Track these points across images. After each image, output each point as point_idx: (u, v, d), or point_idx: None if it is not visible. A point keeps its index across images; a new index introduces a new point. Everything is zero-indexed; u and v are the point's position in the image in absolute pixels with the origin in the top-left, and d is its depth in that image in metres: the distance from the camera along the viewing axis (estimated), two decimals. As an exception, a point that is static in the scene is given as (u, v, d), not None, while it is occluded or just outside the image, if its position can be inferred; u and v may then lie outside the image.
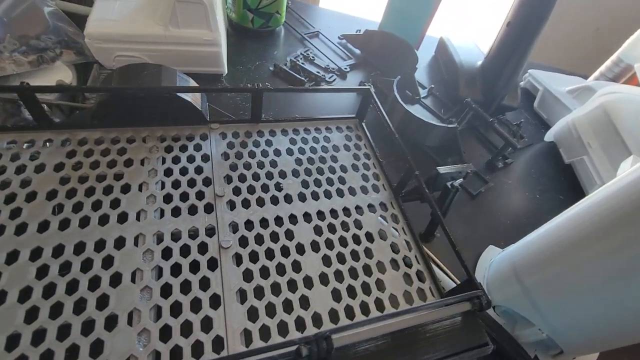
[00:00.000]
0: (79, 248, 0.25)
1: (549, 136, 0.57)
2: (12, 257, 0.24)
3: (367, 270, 0.29)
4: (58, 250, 0.25)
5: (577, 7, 1.31)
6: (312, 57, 0.59)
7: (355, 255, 0.30)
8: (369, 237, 0.31)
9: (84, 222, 0.27)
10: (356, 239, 0.31)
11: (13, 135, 0.30)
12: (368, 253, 0.30)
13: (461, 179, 0.33)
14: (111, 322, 0.23)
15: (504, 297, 0.34)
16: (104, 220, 0.27)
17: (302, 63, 0.56)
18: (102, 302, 0.23)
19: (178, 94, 0.32)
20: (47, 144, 0.30)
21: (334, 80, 0.56)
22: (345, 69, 0.58)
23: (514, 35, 0.51)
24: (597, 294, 0.27)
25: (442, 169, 0.34)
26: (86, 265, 0.25)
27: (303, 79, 0.53)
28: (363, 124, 0.41)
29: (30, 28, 0.44)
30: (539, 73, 0.65)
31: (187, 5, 0.42)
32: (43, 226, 0.26)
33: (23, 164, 0.28)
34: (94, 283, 0.24)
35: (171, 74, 0.33)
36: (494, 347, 0.24)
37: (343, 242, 0.30)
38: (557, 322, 0.30)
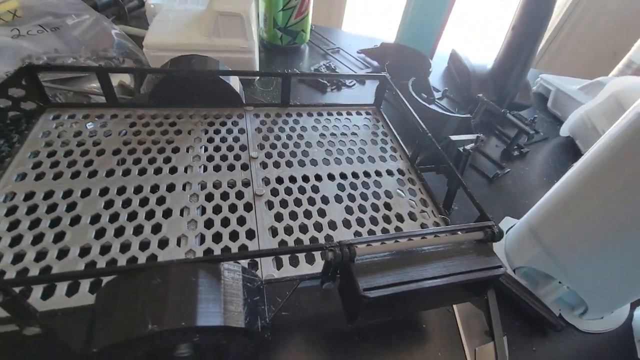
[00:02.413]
0: (138, 189, 0.30)
1: (564, 130, 0.59)
2: (85, 193, 0.29)
3: (387, 219, 0.32)
4: (121, 190, 0.29)
5: (596, 32, 1.35)
6: (334, 67, 0.65)
7: (375, 207, 0.33)
8: (388, 194, 0.34)
9: (142, 172, 0.31)
10: (376, 195, 0.34)
11: (86, 110, 0.36)
12: (387, 206, 0.33)
13: (472, 144, 0.36)
14: (163, 244, 0.26)
15: (524, 261, 0.35)
16: (157, 171, 0.32)
17: (325, 71, 0.63)
18: (156, 228, 0.27)
19: (221, 77, 0.38)
20: (113, 117, 0.36)
21: (353, 84, 0.62)
22: (356, 73, 0.64)
23: (520, 37, 0.56)
24: (612, 241, 0.28)
25: (453, 137, 0.37)
26: (143, 202, 0.29)
27: (326, 82, 0.59)
28: (381, 109, 0.45)
29: (100, 44, 0.53)
30: (550, 77, 0.68)
31: (228, 17, 0.50)
32: (109, 173, 0.31)
33: (94, 129, 0.34)
34: (150, 215, 0.28)
35: (214, 63, 0.40)
36: (505, 270, 0.25)
37: (364, 197, 0.33)
38: (580, 275, 0.31)
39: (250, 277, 0.22)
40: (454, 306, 0.33)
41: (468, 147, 0.35)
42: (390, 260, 0.24)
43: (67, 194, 0.28)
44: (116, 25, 0.58)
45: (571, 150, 0.57)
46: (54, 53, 0.48)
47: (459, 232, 0.27)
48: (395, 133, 0.41)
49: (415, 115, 0.37)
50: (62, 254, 0.25)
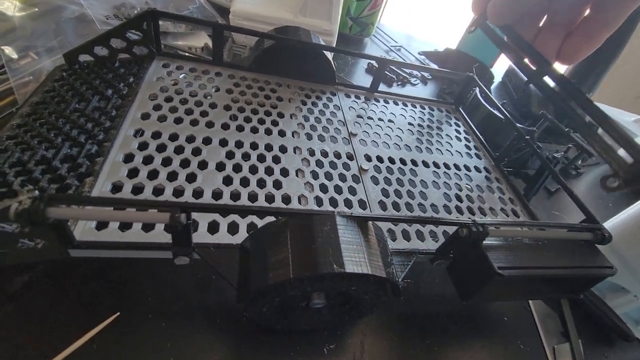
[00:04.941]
0: (254, 146, 0.30)
1: (615, 158, 0.60)
2: (206, 141, 0.29)
3: (482, 211, 0.33)
4: (239, 144, 0.30)
5: (620, 75, 1.38)
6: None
7: (470, 199, 0.33)
8: (480, 188, 0.35)
9: (254, 130, 0.32)
10: (469, 188, 0.35)
11: (194, 64, 0.37)
12: (481, 200, 0.34)
13: (562, 152, 0.37)
14: (287, 200, 0.27)
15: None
16: (268, 132, 0.32)
17: (390, 67, 0.64)
18: (277, 184, 0.28)
19: (324, 51, 0.39)
20: (218, 75, 0.37)
21: (417, 83, 0.63)
22: (427, 76, 0.65)
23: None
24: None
25: (542, 144, 0.38)
26: (261, 158, 0.29)
27: (393, 76, 0.60)
28: (460, 109, 0.46)
29: (182, 3, 0.54)
30: (601, 105, 0.70)
31: (318, -2, 0.50)
32: (225, 126, 0.31)
33: (203, 83, 0.35)
34: (269, 171, 0.29)
35: (317, 38, 0.40)
36: (617, 271, 0.26)
37: (458, 187, 0.34)
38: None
39: (386, 239, 0.23)
40: (531, 305, 0.34)
41: (558, 154, 0.36)
42: (511, 246, 0.25)
43: (190, 139, 0.29)
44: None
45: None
46: (145, 5, 0.48)
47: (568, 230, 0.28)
48: (478, 133, 0.42)
49: (511, 118, 0.38)
50: (197, 194, 0.25)
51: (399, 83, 0.61)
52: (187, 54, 0.46)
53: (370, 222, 0.22)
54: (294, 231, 0.20)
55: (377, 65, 0.41)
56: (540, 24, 0.24)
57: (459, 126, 0.43)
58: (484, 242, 0.24)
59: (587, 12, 0.23)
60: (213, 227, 0.23)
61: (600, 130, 0.23)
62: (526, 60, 0.23)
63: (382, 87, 0.58)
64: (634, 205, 0.35)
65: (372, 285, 0.20)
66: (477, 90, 0.57)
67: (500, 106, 0.41)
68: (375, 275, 0.19)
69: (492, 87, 0.73)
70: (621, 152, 0.58)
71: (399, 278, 0.23)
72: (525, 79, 0.22)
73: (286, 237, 0.19)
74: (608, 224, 0.37)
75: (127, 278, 0.25)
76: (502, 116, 0.40)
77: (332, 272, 0.18)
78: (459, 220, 0.24)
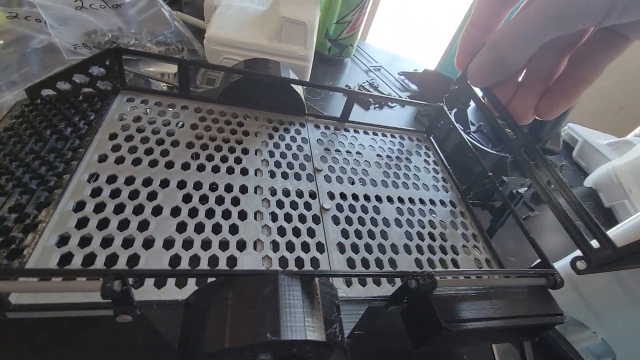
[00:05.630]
0: (213, 187, 0.30)
1: (588, 182, 0.61)
2: (164, 183, 0.29)
3: (443, 249, 0.33)
4: (197, 185, 0.30)
5: (602, 87, 1.41)
6: (376, 85, 0.66)
7: (432, 236, 0.34)
8: (443, 224, 0.35)
9: (215, 169, 0.32)
10: (432, 224, 0.35)
11: (159, 97, 0.36)
12: (443, 236, 0.34)
13: (526, 188, 0.37)
14: (242, 246, 0.27)
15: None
16: (230, 170, 0.32)
17: (368, 89, 0.64)
18: (234, 229, 0.28)
19: (292, 85, 0.39)
20: (184, 109, 0.37)
21: (394, 106, 0.63)
22: (405, 98, 0.65)
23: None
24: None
25: (506, 179, 0.38)
26: (219, 201, 0.29)
27: (370, 100, 0.60)
28: (431, 138, 0.46)
29: (157, 27, 0.53)
30: (577, 127, 0.71)
31: (292, 24, 0.51)
32: (185, 166, 0.31)
33: (167, 119, 0.35)
34: (226, 214, 0.29)
35: (286, 70, 0.40)
36: (566, 317, 0.26)
37: (421, 224, 0.35)
38: (616, 326, 0.32)
39: (334, 293, 0.23)
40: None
41: (522, 190, 0.37)
42: (462, 295, 0.25)
43: (147, 182, 0.29)
44: (171, 10, 0.58)
45: (593, 202, 0.59)
46: (117, 32, 0.48)
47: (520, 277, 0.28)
48: (447, 164, 0.43)
49: (476, 152, 0.38)
50: (147, 243, 0.25)
51: (377, 106, 0.61)
52: (157, 80, 0.46)
53: (316, 279, 0.22)
54: (236, 293, 0.19)
55: (346, 97, 0.41)
56: (519, 79, 0.25)
57: (429, 156, 0.44)
58: (435, 292, 0.24)
59: (565, 66, 0.24)
60: (159, 281, 0.23)
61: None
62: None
63: (359, 111, 0.59)
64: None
65: (312, 347, 0.20)
66: (452, 113, 0.58)
67: (468, 139, 0.41)
68: (313, 340, 0.19)
69: (469, 109, 0.74)
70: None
71: (348, 331, 0.23)
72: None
73: (227, 299, 0.19)
74: (568, 259, 0.38)
75: (74, 330, 0.25)
76: (472, 146, 0.41)
77: (267, 340, 0.18)
78: (406, 271, 0.24)
